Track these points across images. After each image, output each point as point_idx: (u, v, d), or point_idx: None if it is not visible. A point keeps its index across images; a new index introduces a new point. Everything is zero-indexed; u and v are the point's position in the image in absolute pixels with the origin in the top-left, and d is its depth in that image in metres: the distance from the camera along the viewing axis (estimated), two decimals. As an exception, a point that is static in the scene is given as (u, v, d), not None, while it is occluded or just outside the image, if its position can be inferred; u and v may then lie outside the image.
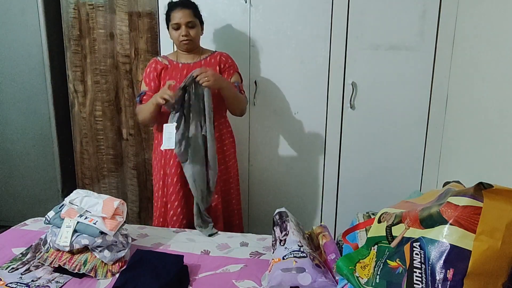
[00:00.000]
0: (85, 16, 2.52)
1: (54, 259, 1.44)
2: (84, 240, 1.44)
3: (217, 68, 2.00)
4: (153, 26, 2.49)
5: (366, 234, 1.34)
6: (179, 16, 1.91)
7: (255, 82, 2.38)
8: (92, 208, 1.49)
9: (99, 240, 1.44)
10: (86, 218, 1.47)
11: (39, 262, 1.47)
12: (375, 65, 2.28)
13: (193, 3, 1.99)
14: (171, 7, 1.95)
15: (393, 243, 1.13)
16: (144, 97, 1.96)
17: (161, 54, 2.05)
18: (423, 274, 0.99)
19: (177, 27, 1.92)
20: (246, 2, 2.29)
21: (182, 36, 1.92)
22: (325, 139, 2.42)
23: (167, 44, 2.40)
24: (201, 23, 2.01)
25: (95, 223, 1.45)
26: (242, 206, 2.27)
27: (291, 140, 2.46)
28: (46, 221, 1.55)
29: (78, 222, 1.46)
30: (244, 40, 2.35)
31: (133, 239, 1.64)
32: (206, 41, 2.37)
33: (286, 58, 2.35)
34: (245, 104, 2.06)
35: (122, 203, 1.53)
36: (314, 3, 2.25)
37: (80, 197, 1.52)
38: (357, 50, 2.27)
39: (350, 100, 2.34)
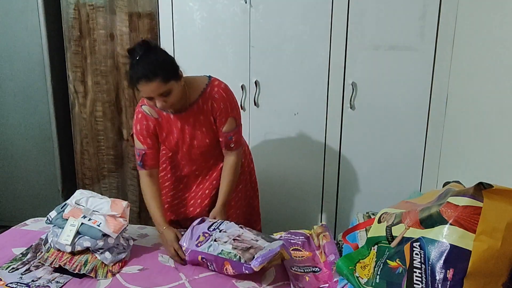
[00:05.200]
0: (85, 16, 2.52)
1: (55, 259, 1.44)
2: (86, 243, 1.44)
3: (211, 117, 1.70)
4: (153, 27, 2.49)
5: (366, 234, 1.34)
6: (148, 90, 1.49)
7: (255, 83, 2.38)
8: (98, 207, 1.49)
9: (100, 243, 1.44)
10: (90, 219, 1.47)
11: (40, 262, 1.47)
12: (375, 65, 2.28)
13: (160, 65, 1.49)
14: (134, 78, 1.49)
15: (393, 243, 1.13)
16: (146, 159, 1.70)
17: (146, 100, 1.60)
18: (423, 274, 0.99)
19: (149, 98, 1.53)
20: (246, 2, 2.29)
21: (160, 107, 1.56)
22: (325, 139, 2.42)
23: (167, 44, 2.40)
24: (178, 78, 1.55)
25: (98, 225, 1.45)
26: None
27: (291, 140, 2.46)
28: (47, 221, 1.55)
29: (82, 223, 1.46)
30: (244, 41, 2.35)
31: (133, 239, 1.65)
32: (206, 41, 2.38)
33: (286, 58, 2.35)
34: (239, 163, 1.82)
35: (128, 206, 1.54)
36: (314, 3, 2.25)
37: (85, 198, 1.52)
38: (357, 50, 2.27)
39: (350, 100, 2.34)
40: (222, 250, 1.40)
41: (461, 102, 2.08)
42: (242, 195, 1.95)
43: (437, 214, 1.04)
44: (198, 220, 1.64)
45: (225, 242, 1.43)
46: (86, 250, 1.46)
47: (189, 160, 1.82)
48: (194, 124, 1.70)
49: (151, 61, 1.49)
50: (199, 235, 1.53)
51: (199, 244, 1.49)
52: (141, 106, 1.69)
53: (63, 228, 1.48)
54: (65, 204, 1.56)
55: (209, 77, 1.72)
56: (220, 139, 1.76)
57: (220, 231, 1.50)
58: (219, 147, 1.81)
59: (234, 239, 1.43)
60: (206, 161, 1.84)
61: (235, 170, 1.79)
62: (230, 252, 1.37)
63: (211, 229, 1.54)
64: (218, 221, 1.59)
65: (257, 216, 2.05)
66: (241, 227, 1.52)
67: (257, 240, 1.41)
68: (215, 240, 1.46)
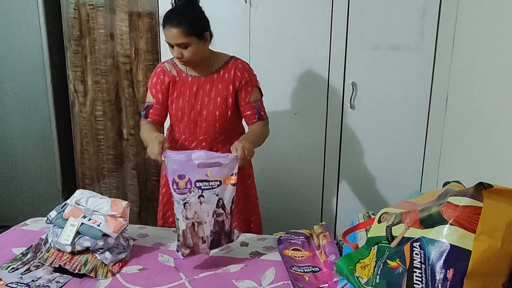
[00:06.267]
0: (85, 16, 2.52)
1: (55, 259, 1.44)
2: (86, 242, 1.44)
3: (230, 87, 1.73)
4: (153, 26, 2.49)
5: (366, 234, 1.34)
6: (169, 35, 1.60)
7: (255, 82, 2.38)
8: (98, 207, 1.49)
9: (101, 243, 1.44)
10: (90, 219, 1.47)
11: (40, 262, 1.47)
12: (375, 65, 2.29)
13: (188, 17, 1.60)
14: (164, 20, 1.63)
15: (393, 243, 1.13)
16: (151, 111, 1.77)
17: (170, 59, 1.79)
18: (423, 274, 1.00)
19: (170, 45, 1.64)
20: (246, 2, 2.30)
21: (176, 56, 1.66)
22: (325, 139, 2.42)
23: (167, 44, 2.40)
24: (201, 37, 1.65)
25: (98, 225, 1.45)
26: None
27: (291, 140, 2.46)
28: (48, 221, 1.55)
29: (82, 223, 1.46)
30: (244, 40, 2.35)
31: (133, 239, 1.65)
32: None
33: (286, 58, 2.35)
34: (268, 133, 1.83)
35: (128, 206, 1.53)
36: (314, 3, 2.25)
37: (85, 198, 1.52)
38: (357, 50, 2.27)
39: (350, 100, 2.34)
40: (178, 219, 1.38)
41: (461, 102, 2.09)
42: (241, 198, 1.93)
43: (437, 214, 1.04)
44: (203, 158, 1.41)
45: (187, 218, 1.36)
46: (86, 250, 1.46)
47: (191, 133, 1.77)
48: (209, 91, 1.73)
49: (183, 12, 1.61)
50: (185, 176, 1.38)
51: (174, 186, 1.38)
52: (164, 62, 1.80)
53: (63, 228, 1.48)
54: (65, 204, 1.56)
55: (233, 55, 1.82)
56: (248, 112, 1.77)
57: (199, 197, 1.37)
58: (225, 132, 1.77)
59: (192, 223, 1.36)
60: (208, 141, 1.77)
61: (262, 130, 1.77)
62: (179, 229, 1.38)
63: (198, 185, 1.38)
64: (212, 182, 1.40)
65: (257, 217, 2.04)
66: (216, 213, 1.38)
67: (204, 242, 1.39)
68: (184, 204, 1.36)
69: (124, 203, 1.52)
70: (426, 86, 2.28)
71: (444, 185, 1.27)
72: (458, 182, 1.25)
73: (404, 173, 2.41)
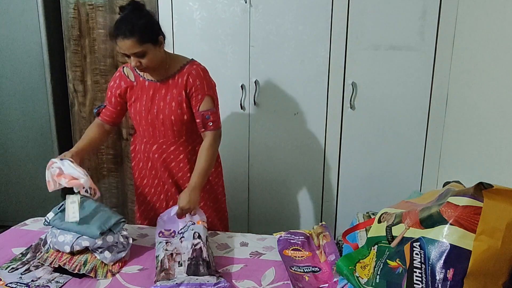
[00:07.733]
0: (85, 16, 2.52)
1: (54, 259, 1.44)
2: (85, 242, 1.44)
3: (183, 92, 1.70)
4: (153, 26, 2.48)
5: (366, 234, 1.34)
6: (123, 46, 1.56)
7: (255, 82, 2.38)
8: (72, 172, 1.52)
9: (99, 242, 1.44)
10: (86, 191, 1.51)
11: (39, 262, 1.47)
12: (375, 65, 2.28)
13: (139, 25, 1.55)
14: (114, 31, 1.56)
15: (393, 243, 1.13)
16: (103, 111, 1.80)
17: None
18: (423, 274, 1.00)
19: (126, 55, 1.60)
20: (246, 2, 2.29)
21: (134, 66, 1.62)
22: (325, 139, 2.42)
23: (167, 44, 2.39)
24: (156, 42, 1.61)
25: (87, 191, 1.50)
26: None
27: (291, 140, 2.46)
28: (45, 222, 1.55)
29: (81, 197, 1.49)
30: (244, 40, 2.35)
31: (133, 239, 1.65)
32: (206, 41, 2.38)
33: (286, 58, 2.34)
34: (216, 146, 1.78)
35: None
36: (314, 3, 2.25)
37: (58, 164, 1.53)
38: (357, 50, 2.27)
39: (350, 100, 2.34)
40: (158, 256, 1.47)
41: (461, 102, 2.09)
42: (206, 196, 1.91)
43: (437, 214, 1.04)
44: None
45: (166, 250, 1.48)
46: (86, 250, 1.46)
47: (151, 136, 1.78)
48: (165, 96, 1.72)
49: (132, 21, 1.56)
50: (170, 230, 1.65)
51: (160, 234, 1.61)
52: (124, 66, 1.79)
53: (61, 229, 1.48)
54: (62, 204, 1.56)
55: (192, 59, 1.78)
56: (197, 120, 1.74)
57: (180, 239, 1.54)
58: (185, 135, 1.78)
59: (171, 253, 1.46)
60: (168, 144, 1.78)
61: (211, 152, 1.74)
62: (157, 262, 1.44)
63: (180, 232, 1.58)
64: (189, 223, 1.59)
65: (223, 214, 2.02)
66: (194, 244, 1.48)
67: (180, 265, 1.40)
68: (166, 242, 1.53)
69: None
70: (426, 86, 2.27)
71: (444, 185, 1.27)
72: (458, 182, 1.26)
73: (404, 173, 2.41)
